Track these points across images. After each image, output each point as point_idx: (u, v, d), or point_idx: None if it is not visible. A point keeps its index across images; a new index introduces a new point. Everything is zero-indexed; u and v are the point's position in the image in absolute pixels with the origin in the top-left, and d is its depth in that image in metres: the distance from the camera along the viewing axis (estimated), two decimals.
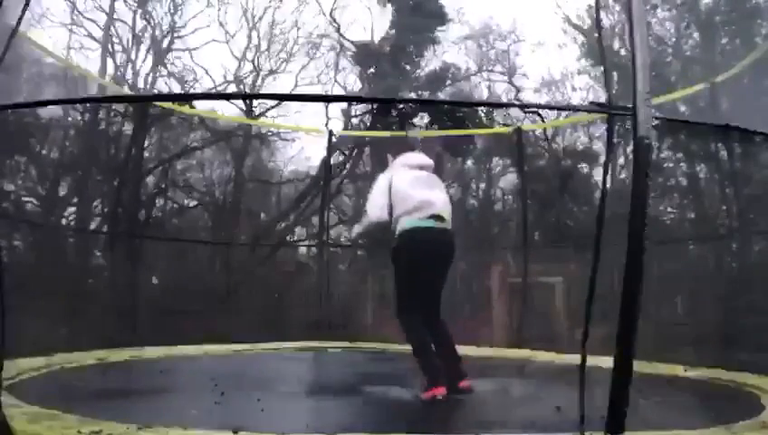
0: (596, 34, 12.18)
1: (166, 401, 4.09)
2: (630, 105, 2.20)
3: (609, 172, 4.12)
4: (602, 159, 12.60)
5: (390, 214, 3.85)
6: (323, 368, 6.85)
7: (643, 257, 2.18)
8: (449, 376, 3.71)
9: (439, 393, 3.64)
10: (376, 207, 3.83)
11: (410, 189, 3.80)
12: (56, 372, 5.15)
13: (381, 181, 3.91)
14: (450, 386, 3.68)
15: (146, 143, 13.30)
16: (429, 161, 4.05)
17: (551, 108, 16.13)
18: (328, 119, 15.01)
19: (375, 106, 13.91)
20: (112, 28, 14.33)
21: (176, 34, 14.93)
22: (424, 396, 3.68)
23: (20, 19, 4.19)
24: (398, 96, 13.49)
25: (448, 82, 14.92)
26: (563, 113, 12.09)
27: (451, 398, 3.80)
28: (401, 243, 3.77)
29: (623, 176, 12.84)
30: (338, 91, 15.38)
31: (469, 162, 15.56)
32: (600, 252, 3.18)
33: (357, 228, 4.01)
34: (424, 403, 3.76)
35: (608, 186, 3.59)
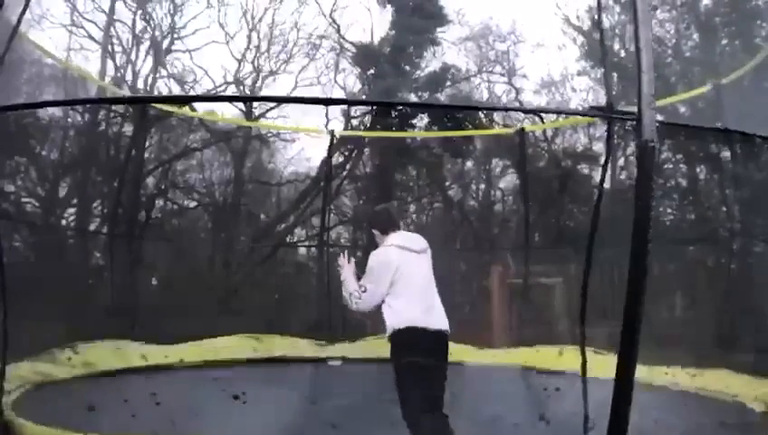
0: (595, 36, 12.19)
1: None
2: (631, 108, 2.20)
3: (609, 173, 4.13)
4: (602, 160, 12.63)
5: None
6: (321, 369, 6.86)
7: (647, 261, 2.18)
8: None
9: None
10: (376, 298, 3.65)
11: (412, 286, 3.64)
12: (54, 383, 5.15)
13: (383, 267, 3.70)
14: None
15: (146, 144, 13.29)
16: (425, 244, 3.91)
17: (551, 111, 16.13)
18: (328, 120, 15.01)
19: (375, 107, 13.91)
20: (112, 29, 14.34)
21: (176, 36, 14.94)
22: None
23: (19, 21, 4.19)
24: (398, 97, 13.46)
25: (448, 83, 14.92)
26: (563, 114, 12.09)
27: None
28: (397, 344, 3.63)
29: (623, 177, 12.86)
30: (338, 92, 15.38)
31: (469, 163, 15.57)
32: (592, 253, 3.19)
33: (347, 300, 3.77)
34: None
35: (608, 187, 3.60)
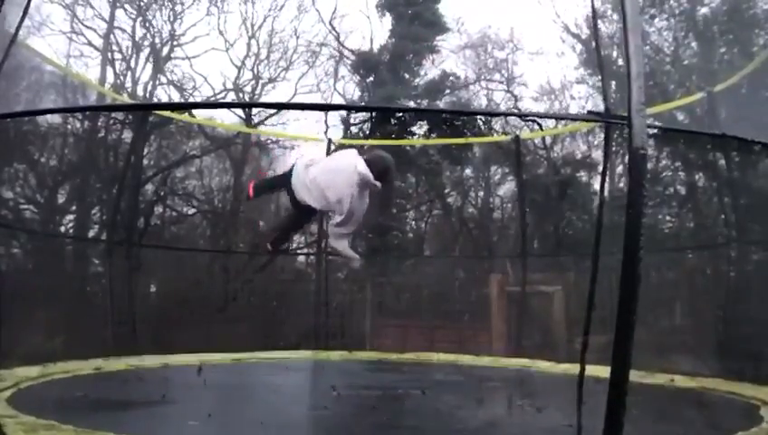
0: (593, 44, 12.21)
1: (163, 413, 4.07)
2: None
3: (608, 180, 4.13)
4: (601, 167, 12.63)
5: None
6: (321, 377, 6.82)
7: (639, 269, 2.17)
8: None
9: None
10: None
11: None
12: (53, 381, 5.13)
13: None
14: None
15: (145, 151, 13.28)
16: None
17: (548, 116, 16.15)
18: (327, 127, 15.01)
19: (374, 114, 13.93)
20: (112, 36, 14.39)
21: (175, 43, 14.98)
22: None
23: (18, 28, 4.18)
24: (397, 105, 13.49)
25: (447, 90, 14.94)
26: (562, 122, 12.10)
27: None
28: None
29: (622, 184, 12.84)
30: (337, 100, 15.41)
31: (468, 170, 15.56)
32: (598, 262, 3.18)
33: None
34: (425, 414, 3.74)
35: (606, 194, 3.60)
